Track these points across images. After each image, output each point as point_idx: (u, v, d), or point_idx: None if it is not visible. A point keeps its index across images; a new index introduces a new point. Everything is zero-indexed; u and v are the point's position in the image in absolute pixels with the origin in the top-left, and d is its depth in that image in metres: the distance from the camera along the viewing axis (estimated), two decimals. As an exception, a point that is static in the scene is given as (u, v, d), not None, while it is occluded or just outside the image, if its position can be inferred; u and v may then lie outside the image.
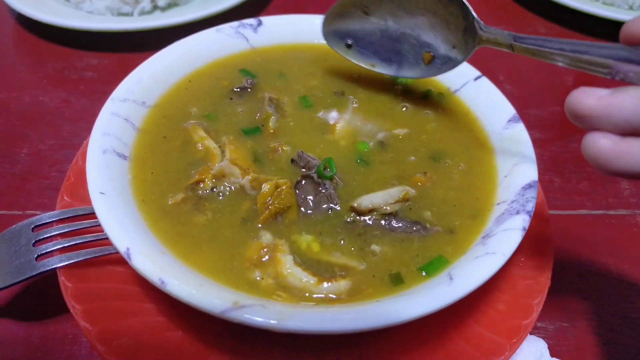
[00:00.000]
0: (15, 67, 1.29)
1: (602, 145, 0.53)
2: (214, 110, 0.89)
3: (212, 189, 0.76)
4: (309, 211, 0.75)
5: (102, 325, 0.68)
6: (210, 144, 0.81)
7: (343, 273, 0.68)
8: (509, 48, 0.73)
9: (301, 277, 0.67)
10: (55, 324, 0.78)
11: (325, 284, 0.66)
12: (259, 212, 0.73)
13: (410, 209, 0.76)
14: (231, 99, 0.91)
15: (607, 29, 1.49)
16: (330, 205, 0.75)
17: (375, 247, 0.71)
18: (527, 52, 0.68)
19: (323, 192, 0.75)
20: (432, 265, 0.69)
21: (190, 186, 0.76)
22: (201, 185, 0.76)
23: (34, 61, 1.31)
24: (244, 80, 0.93)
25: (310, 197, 0.75)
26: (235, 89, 0.92)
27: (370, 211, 0.74)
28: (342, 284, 0.67)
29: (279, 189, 0.73)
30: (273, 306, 0.61)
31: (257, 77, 0.96)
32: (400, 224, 0.74)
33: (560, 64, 0.64)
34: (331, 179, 0.76)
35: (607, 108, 0.52)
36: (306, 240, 0.71)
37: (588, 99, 0.53)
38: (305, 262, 0.69)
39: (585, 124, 0.54)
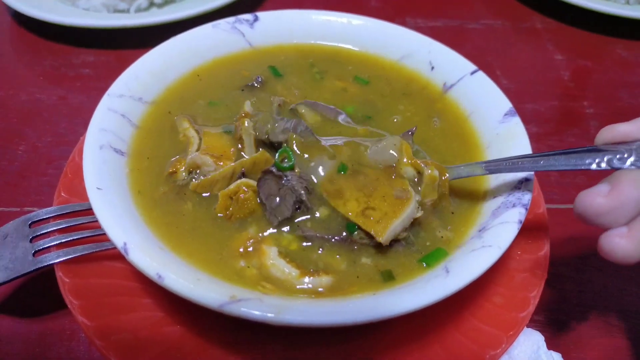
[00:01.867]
0: (12, 64, 1.29)
1: (622, 245, 0.56)
2: (218, 101, 0.90)
3: (191, 179, 0.76)
4: (273, 212, 0.72)
5: (100, 321, 0.69)
6: (190, 133, 0.81)
7: (326, 268, 0.69)
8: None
9: (284, 269, 0.67)
10: (53, 320, 0.78)
11: (307, 278, 0.66)
12: (225, 219, 0.73)
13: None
14: (242, 90, 0.92)
15: (605, 24, 1.49)
16: (298, 201, 0.72)
17: (366, 260, 0.70)
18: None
19: (286, 186, 0.71)
20: (432, 257, 0.70)
21: (167, 177, 0.77)
22: (175, 178, 0.77)
23: (31, 58, 1.31)
24: (254, 79, 0.94)
25: (274, 195, 0.72)
26: (247, 85, 0.93)
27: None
28: (324, 279, 0.67)
29: (235, 196, 0.72)
30: (270, 299, 0.61)
31: (283, 76, 0.97)
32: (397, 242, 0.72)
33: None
34: (292, 169, 0.73)
35: (617, 201, 0.56)
36: (286, 238, 0.71)
37: (597, 199, 0.57)
38: (290, 254, 0.69)
39: (598, 223, 0.58)
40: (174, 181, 0.77)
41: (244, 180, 0.74)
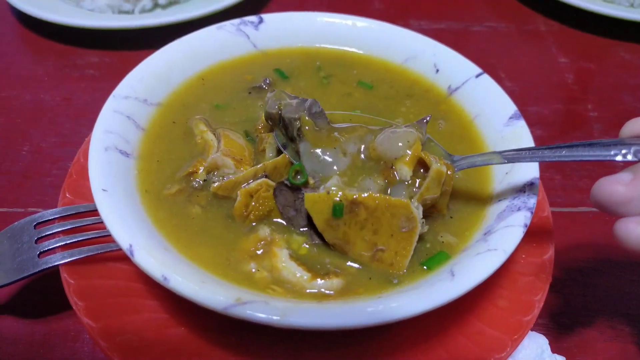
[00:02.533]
0: (17, 65, 1.29)
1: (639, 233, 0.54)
2: (225, 104, 0.90)
3: (211, 180, 0.76)
4: (290, 222, 0.73)
5: (105, 322, 0.69)
6: (209, 136, 0.82)
7: (337, 271, 0.69)
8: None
9: (295, 272, 0.67)
10: (57, 321, 0.78)
11: (318, 281, 0.67)
12: (237, 221, 0.73)
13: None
14: (250, 93, 0.93)
15: (608, 27, 1.49)
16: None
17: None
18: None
19: (300, 198, 0.72)
20: (434, 260, 0.70)
21: (184, 178, 0.77)
22: (193, 178, 0.77)
23: (35, 59, 1.31)
24: (262, 80, 0.94)
25: (290, 206, 0.73)
26: (255, 86, 0.94)
27: None
28: (335, 282, 0.67)
29: (255, 194, 0.73)
30: (275, 302, 0.61)
31: (290, 78, 0.97)
32: None
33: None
34: (305, 185, 0.72)
35: (638, 192, 0.54)
36: (297, 241, 0.72)
37: (617, 187, 0.55)
38: (301, 257, 0.70)
39: (616, 212, 0.56)
40: (188, 182, 0.77)
41: (264, 179, 0.74)
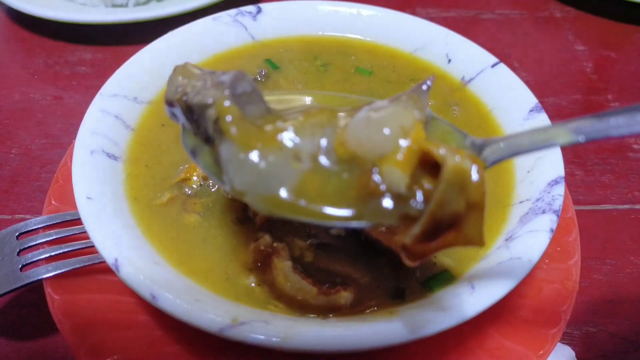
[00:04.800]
0: (5, 62, 1.24)
1: None
2: None
3: (200, 185, 0.72)
4: None
5: (93, 341, 0.64)
6: None
7: (345, 284, 0.63)
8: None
9: (299, 287, 0.61)
10: (44, 339, 0.73)
11: (324, 296, 0.61)
12: (253, 217, 0.68)
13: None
14: None
15: (629, 11, 1.41)
16: None
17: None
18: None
19: None
20: (437, 281, 0.64)
21: (176, 185, 0.72)
22: (185, 185, 0.72)
23: (24, 56, 1.25)
24: (257, 72, 0.88)
25: None
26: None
27: None
28: (344, 296, 0.61)
29: None
30: (277, 321, 0.56)
31: (280, 68, 0.91)
32: None
33: None
34: None
35: None
36: (300, 246, 0.66)
37: None
38: (306, 267, 0.64)
39: None
40: (181, 189, 0.72)
41: None
